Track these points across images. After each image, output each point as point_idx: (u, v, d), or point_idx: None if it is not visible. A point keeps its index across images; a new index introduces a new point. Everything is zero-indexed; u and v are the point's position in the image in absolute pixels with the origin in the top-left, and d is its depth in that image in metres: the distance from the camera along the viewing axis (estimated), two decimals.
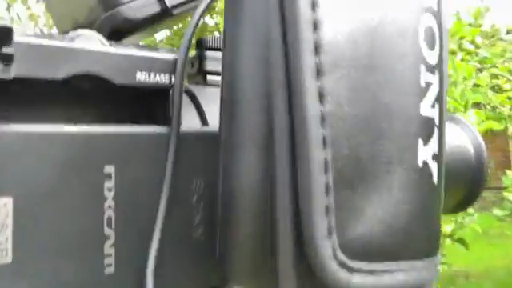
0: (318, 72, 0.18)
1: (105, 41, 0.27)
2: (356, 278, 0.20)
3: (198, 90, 0.32)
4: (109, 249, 0.26)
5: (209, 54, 0.34)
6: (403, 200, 0.20)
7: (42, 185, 0.25)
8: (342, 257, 0.19)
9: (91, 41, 0.27)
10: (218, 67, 0.34)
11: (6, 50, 0.23)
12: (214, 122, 0.31)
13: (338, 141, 0.18)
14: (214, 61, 0.34)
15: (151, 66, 0.27)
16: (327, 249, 0.19)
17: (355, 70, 0.18)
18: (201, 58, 0.34)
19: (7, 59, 0.24)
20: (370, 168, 0.19)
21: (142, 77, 0.27)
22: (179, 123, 0.27)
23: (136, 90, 0.28)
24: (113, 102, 0.29)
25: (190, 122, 0.30)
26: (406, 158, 0.20)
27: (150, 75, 0.27)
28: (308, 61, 0.17)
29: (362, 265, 0.20)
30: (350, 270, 0.19)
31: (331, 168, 0.18)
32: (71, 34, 0.27)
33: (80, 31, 0.27)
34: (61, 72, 0.25)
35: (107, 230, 0.26)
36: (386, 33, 0.19)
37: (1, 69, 0.23)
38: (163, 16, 0.30)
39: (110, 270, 0.26)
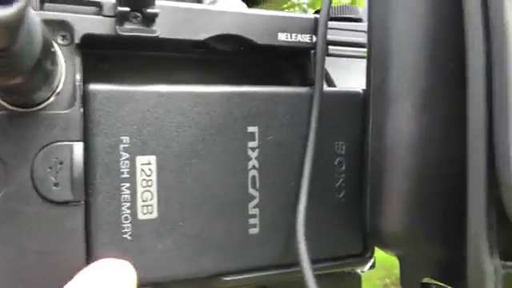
0: None
1: (243, 4, 0.28)
2: None
3: None
4: (253, 209, 0.26)
5: (330, 23, 0.33)
6: None
7: (185, 143, 0.25)
8: None
9: (231, 3, 0.27)
10: (340, 37, 0.33)
11: (150, 10, 0.24)
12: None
13: None
14: (335, 30, 0.33)
15: (292, 26, 0.27)
16: None
17: None
18: None
19: (150, 20, 0.24)
20: None
21: (283, 37, 0.27)
22: (322, 82, 0.27)
23: (277, 51, 0.28)
24: (254, 63, 0.29)
25: None
26: None
27: (291, 35, 0.27)
28: None
29: None
30: None
31: None
32: None
33: None
34: (203, 33, 0.26)
35: (251, 190, 0.26)
36: None
37: (145, 28, 0.24)
38: None
39: (254, 231, 0.26)
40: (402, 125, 0.23)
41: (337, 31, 0.34)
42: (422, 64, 0.23)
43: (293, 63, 0.29)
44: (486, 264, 0.19)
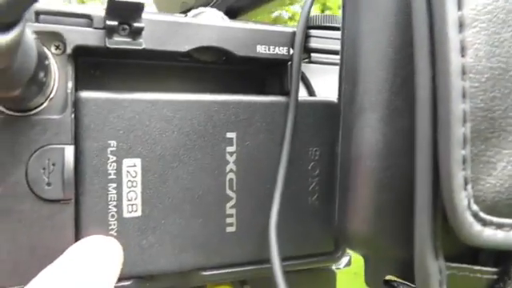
0: (461, 25, 0.19)
1: (225, 17, 0.29)
2: (487, 231, 0.20)
3: (303, 67, 0.34)
4: (230, 209, 0.28)
5: (313, 32, 0.35)
6: None
7: (168, 148, 0.27)
8: (475, 208, 0.20)
9: (213, 17, 0.29)
10: (323, 45, 0.35)
11: (136, 24, 0.26)
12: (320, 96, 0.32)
13: (475, 93, 0.19)
14: (318, 39, 0.35)
15: (271, 39, 0.29)
16: (463, 199, 0.19)
17: (493, 24, 0.19)
18: (306, 36, 0.35)
19: (137, 32, 0.26)
20: (502, 122, 0.20)
21: (261, 49, 0.29)
22: (298, 92, 0.29)
23: (255, 62, 0.29)
24: (227, 75, 0.31)
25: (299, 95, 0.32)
26: None
27: (269, 48, 0.29)
28: (452, 14, 0.18)
29: (493, 218, 0.20)
30: (482, 221, 0.20)
31: (469, 120, 0.19)
32: (193, 11, 0.29)
33: (202, 8, 0.29)
34: (186, 45, 0.28)
35: (229, 192, 0.28)
36: None
37: (132, 41, 0.26)
38: None
39: (231, 229, 0.28)
40: (368, 135, 0.25)
41: (321, 39, 0.36)
42: (387, 81, 0.24)
43: (273, 73, 0.31)
44: (430, 265, 0.21)
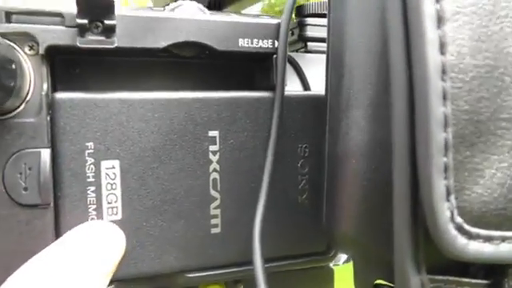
0: (439, 19, 0.16)
1: (205, 10, 0.28)
2: (473, 245, 0.18)
3: (299, 57, 0.32)
4: (214, 210, 0.27)
5: (309, 20, 0.33)
6: None
7: (147, 148, 0.26)
8: (459, 220, 0.18)
9: (191, 10, 0.27)
10: (319, 33, 0.33)
11: (108, 22, 0.24)
12: (316, 88, 0.30)
13: (458, 94, 0.17)
14: (314, 27, 0.33)
15: (253, 32, 0.27)
16: (445, 211, 0.18)
17: (478, 16, 0.17)
18: (301, 25, 0.33)
19: (110, 30, 0.25)
20: (490, 125, 0.18)
21: (244, 43, 0.27)
22: (283, 87, 0.27)
23: (239, 57, 0.28)
24: (215, 69, 0.30)
25: (292, 88, 0.30)
26: None
27: (252, 41, 0.27)
28: (429, 7, 0.16)
29: (480, 231, 0.19)
30: (468, 235, 0.18)
31: (451, 124, 0.17)
32: (171, 4, 0.28)
33: (180, 2, 0.28)
34: (162, 41, 0.26)
35: (213, 192, 0.27)
36: None
37: (104, 39, 0.25)
38: None
39: (215, 230, 0.27)
40: (354, 133, 0.23)
41: (317, 28, 0.34)
42: (373, 76, 0.22)
43: (261, 67, 0.29)
44: (412, 279, 0.19)
